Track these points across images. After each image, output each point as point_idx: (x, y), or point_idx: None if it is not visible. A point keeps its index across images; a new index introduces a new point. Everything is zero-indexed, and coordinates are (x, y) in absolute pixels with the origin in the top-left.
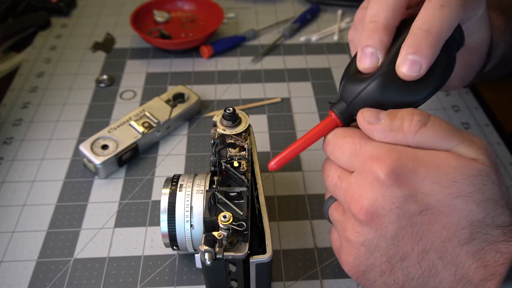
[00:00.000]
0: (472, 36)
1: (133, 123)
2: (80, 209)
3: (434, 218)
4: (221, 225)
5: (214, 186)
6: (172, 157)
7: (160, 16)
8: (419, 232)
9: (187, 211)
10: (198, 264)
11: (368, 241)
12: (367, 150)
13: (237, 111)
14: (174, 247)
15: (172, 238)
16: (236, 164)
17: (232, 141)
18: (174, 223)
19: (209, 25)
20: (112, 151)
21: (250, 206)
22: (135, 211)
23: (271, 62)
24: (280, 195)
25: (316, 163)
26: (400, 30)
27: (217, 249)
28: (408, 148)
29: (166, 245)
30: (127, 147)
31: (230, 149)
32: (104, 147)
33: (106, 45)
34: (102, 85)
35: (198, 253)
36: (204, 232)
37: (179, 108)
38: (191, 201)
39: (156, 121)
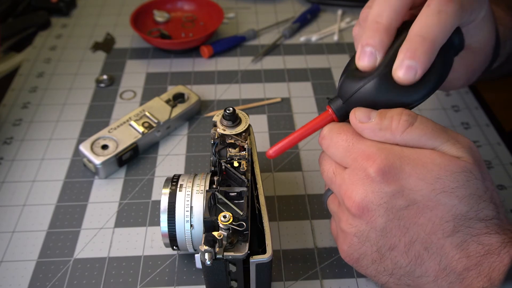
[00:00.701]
0: (474, 38)
1: (133, 123)
2: (80, 209)
3: (419, 212)
4: (221, 225)
5: (214, 186)
6: (172, 157)
7: (160, 16)
8: (406, 224)
9: (187, 211)
10: (198, 264)
11: (359, 232)
12: (359, 148)
13: (237, 111)
14: (174, 247)
15: (172, 238)
16: (236, 164)
17: (232, 141)
18: (174, 223)
19: (209, 25)
20: (112, 151)
21: (250, 206)
22: (135, 211)
23: (271, 62)
24: (280, 195)
25: (316, 163)
26: (401, 31)
27: (217, 249)
28: (396, 147)
29: (166, 245)
30: (127, 147)
31: (230, 149)
32: (104, 147)
33: (106, 45)
34: (102, 85)
35: (198, 253)
36: (204, 232)
37: (179, 108)
38: (191, 201)
39: (156, 121)
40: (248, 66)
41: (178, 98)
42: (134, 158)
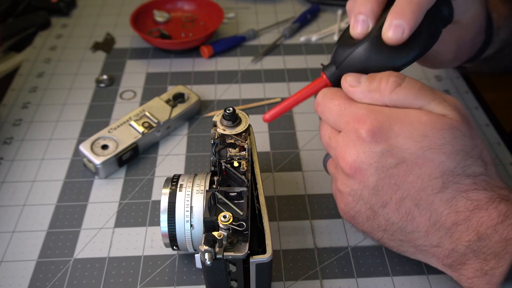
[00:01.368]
0: (463, 13)
1: (133, 123)
2: (80, 209)
3: (409, 169)
4: (221, 225)
5: (214, 186)
6: (172, 157)
7: (160, 16)
8: (396, 182)
9: (187, 211)
10: (198, 264)
11: (353, 191)
12: (351, 112)
13: (237, 111)
14: (174, 247)
15: (172, 238)
16: (236, 164)
17: (232, 141)
18: (174, 223)
19: (209, 25)
20: (112, 151)
21: (250, 206)
22: (135, 211)
23: (271, 62)
24: (280, 195)
25: (316, 163)
26: (391, 0)
27: (217, 249)
28: (385, 108)
29: (166, 245)
30: (127, 147)
31: (230, 149)
32: (104, 147)
33: (106, 45)
34: (102, 85)
35: (198, 253)
36: (204, 232)
37: (179, 108)
38: (191, 201)
39: (156, 121)
40: (248, 66)
41: (178, 98)
42: (134, 158)
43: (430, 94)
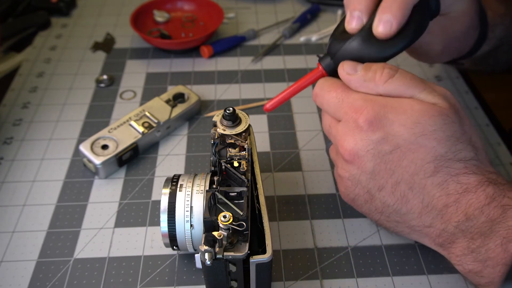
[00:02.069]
0: (451, 6)
1: (133, 123)
2: (80, 209)
3: (403, 155)
4: (221, 225)
5: (214, 186)
6: (172, 157)
7: (160, 16)
8: (391, 167)
9: (187, 211)
10: (198, 264)
11: (352, 176)
12: (348, 102)
13: (237, 111)
14: (174, 247)
15: (172, 238)
16: (236, 164)
17: (232, 141)
18: (174, 223)
19: (209, 25)
20: (112, 151)
21: (250, 206)
22: (135, 211)
23: (271, 62)
24: (280, 195)
25: (316, 163)
26: None
27: (217, 249)
28: (379, 98)
29: (166, 245)
30: (127, 147)
31: (230, 149)
32: (104, 147)
33: (106, 45)
34: (102, 85)
35: (198, 253)
36: (204, 232)
37: (179, 108)
38: (191, 201)
39: (156, 121)
40: (248, 66)
41: (178, 98)
42: (134, 158)
43: (420, 84)
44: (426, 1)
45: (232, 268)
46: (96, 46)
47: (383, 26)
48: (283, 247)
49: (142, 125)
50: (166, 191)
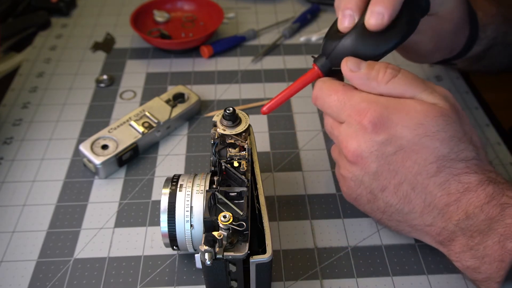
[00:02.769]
0: (440, 6)
1: (133, 123)
2: (80, 209)
3: (406, 156)
4: (221, 225)
5: (214, 186)
6: (172, 157)
7: (160, 16)
8: (394, 168)
9: (187, 211)
10: (198, 264)
11: (355, 177)
12: (351, 105)
13: (237, 111)
14: (174, 247)
15: (172, 238)
16: (236, 164)
17: (232, 141)
18: (174, 223)
19: (209, 25)
20: (112, 151)
21: (250, 206)
22: (135, 211)
23: (271, 62)
24: (280, 195)
25: (316, 163)
26: None
27: (217, 249)
28: (382, 98)
29: (166, 245)
30: (127, 147)
31: (230, 149)
32: (104, 147)
33: (106, 45)
34: (102, 85)
35: (198, 253)
36: (204, 232)
37: (179, 108)
38: (191, 201)
39: (156, 121)
40: (248, 66)
41: (178, 98)
42: (134, 158)
43: (421, 85)
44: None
45: (232, 268)
46: (96, 46)
47: (375, 18)
48: (283, 247)
49: (142, 125)
50: (166, 191)
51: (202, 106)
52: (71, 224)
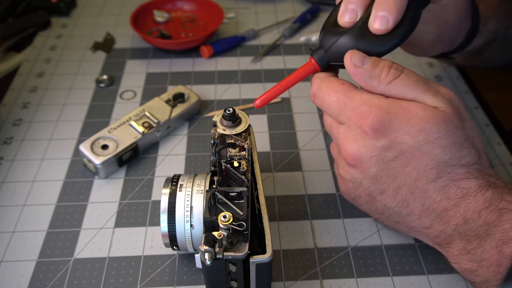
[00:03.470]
0: None
1: (133, 123)
2: (80, 209)
3: (406, 161)
4: (221, 225)
5: (214, 186)
6: (172, 157)
7: (160, 16)
8: (394, 173)
9: (187, 211)
10: (198, 264)
11: (354, 179)
12: (351, 107)
13: (237, 111)
14: (174, 247)
15: (172, 238)
16: (236, 164)
17: (232, 141)
18: (174, 223)
19: (209, 25)
20: (112, 151)
21: (250, 206)
22: (135, 211)
23: (271, 62)
24: (280, 195)
25: (316, 163)
26: None
27: (217, 249)
28: (383, 102)
29: (166, 245)
30: (127, 147)
31: (230, 149)
32: (104, 147)
33: (106, 45)
34: (102, 85)
35: (198, 253)
36: (204, 232)
37: (179, 108)
38: (191, 201)
39: (156, 121)
40: (248, 66)
41: (178, 98)
42: (134, 158)
43: (424, 86)
44: None
45: (232, 268)
46: (96, 46)
47: (379, 23)
48: (283, 247)
49: (142, 125)
50: (166, 191)
51: (202, 106)
52: (71, 224)
